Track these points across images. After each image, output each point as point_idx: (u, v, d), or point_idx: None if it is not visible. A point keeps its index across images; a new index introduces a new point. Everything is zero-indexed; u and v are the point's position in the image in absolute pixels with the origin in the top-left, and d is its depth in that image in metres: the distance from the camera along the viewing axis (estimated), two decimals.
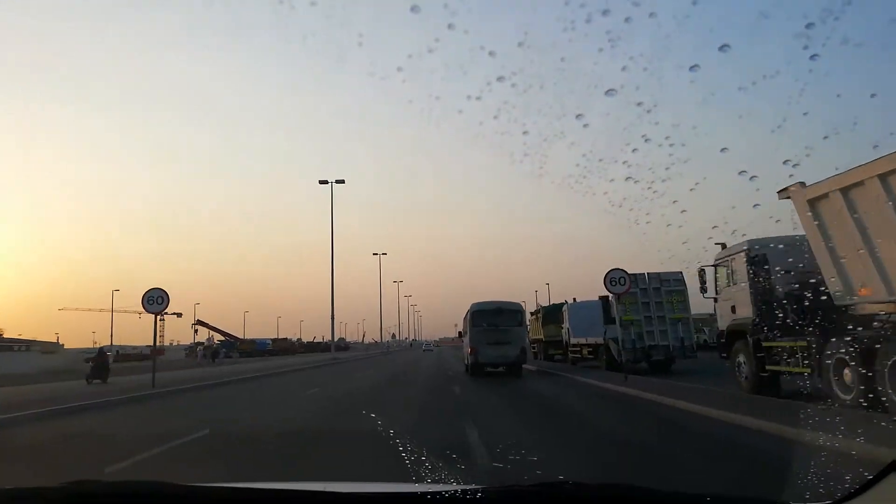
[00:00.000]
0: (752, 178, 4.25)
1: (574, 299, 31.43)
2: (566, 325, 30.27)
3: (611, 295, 18.79)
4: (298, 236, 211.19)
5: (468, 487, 1.64)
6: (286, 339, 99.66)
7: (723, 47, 3.84)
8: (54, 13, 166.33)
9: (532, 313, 34.54)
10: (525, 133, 5.88)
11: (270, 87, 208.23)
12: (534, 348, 34.07)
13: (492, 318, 24.50)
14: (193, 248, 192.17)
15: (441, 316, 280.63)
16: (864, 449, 5.49)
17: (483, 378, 23.14)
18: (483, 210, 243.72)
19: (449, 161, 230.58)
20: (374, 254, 70.11)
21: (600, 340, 24.18)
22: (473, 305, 25.38)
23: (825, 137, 4.25)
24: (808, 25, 3.31)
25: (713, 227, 5.81)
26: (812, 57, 3.46)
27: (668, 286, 21.04)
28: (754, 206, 4.89)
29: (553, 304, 33.94)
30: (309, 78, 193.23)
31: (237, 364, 45.37)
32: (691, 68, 4.12)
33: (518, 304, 26.90)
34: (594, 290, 33.35)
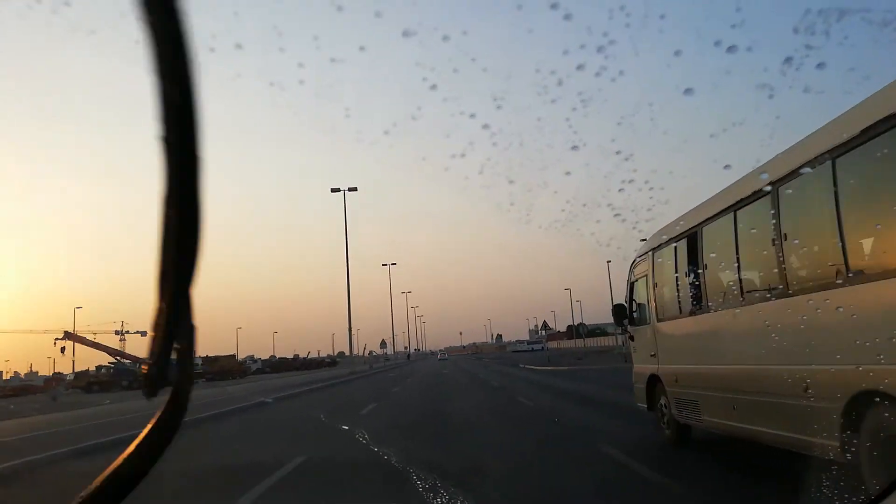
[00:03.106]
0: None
1: None
2: None
3: None
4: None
5: None
6: (233, 355, 73.11)
7: (687, 91, 4.20)
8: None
9: None
10: (511, 182, 5.91)
11: (261, 150, 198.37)
12: None
13: None
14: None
15: (440, 323, 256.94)
16: None
17: None
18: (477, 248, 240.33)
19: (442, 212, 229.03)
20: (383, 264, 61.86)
21: None
22: None
23: None
24: (784, 63, 3.57)
25: None
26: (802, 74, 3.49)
27: None
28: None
29: None
30: (301, 144, 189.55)
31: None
32: (686, 93, 3.31)
33: None
34: None
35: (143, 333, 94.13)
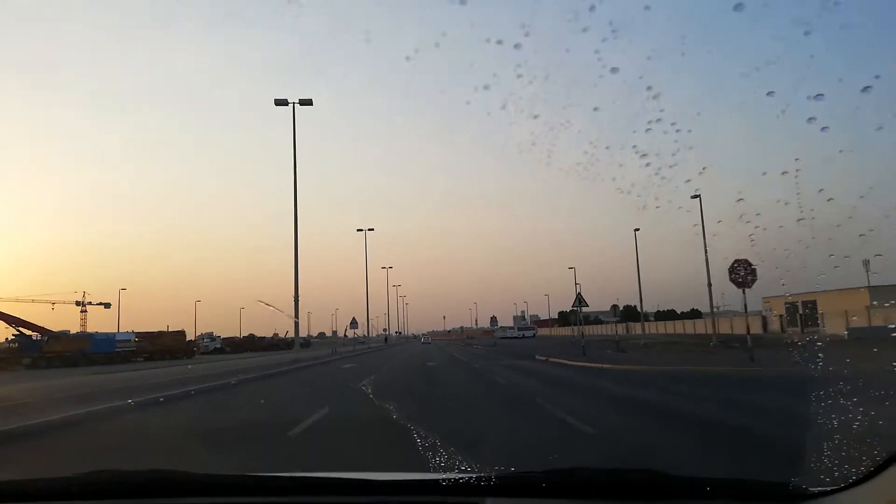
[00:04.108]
0: (823, 128, 4.24)
1: None
2: None
3: None
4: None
5: (482, 474, 1.68)
6: (181, 332, 62.80)
7: (737, 7, 3.99)
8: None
9: None
10: (535, 118, 6.74)
11: (269, 82, 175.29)
12: None
13: None
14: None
15: (423, 306, 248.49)
16: None
17: None
18: (487, 205, 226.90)
19: (456, 154, 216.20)
20: (358, 230, 56.81)
21: None
22: None
23: (823, 129, 4.28)
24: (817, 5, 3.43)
25: (738, 200, 5.27)
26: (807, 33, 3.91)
27: None
28: (762, 173, 5.56)
29: None
30: (313, 73, 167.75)
31: None
32: (736, 9, 4.13)
33: None
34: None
35: (108, 305, 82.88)
